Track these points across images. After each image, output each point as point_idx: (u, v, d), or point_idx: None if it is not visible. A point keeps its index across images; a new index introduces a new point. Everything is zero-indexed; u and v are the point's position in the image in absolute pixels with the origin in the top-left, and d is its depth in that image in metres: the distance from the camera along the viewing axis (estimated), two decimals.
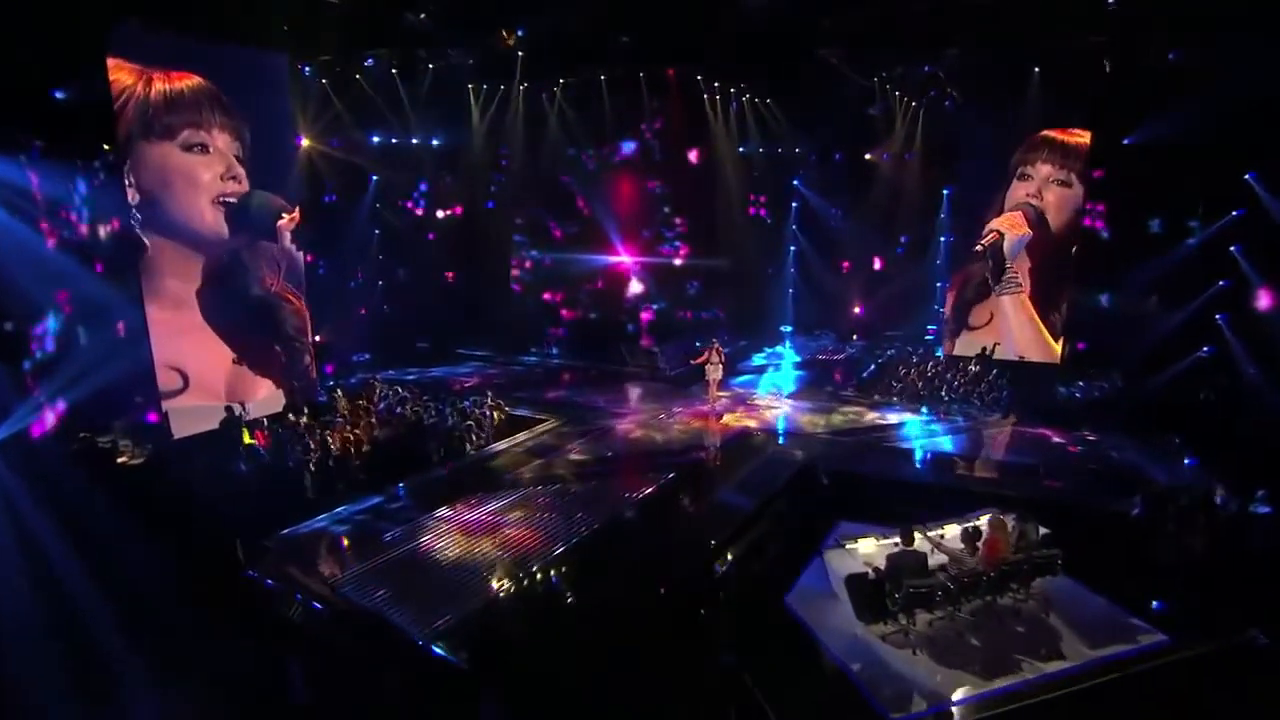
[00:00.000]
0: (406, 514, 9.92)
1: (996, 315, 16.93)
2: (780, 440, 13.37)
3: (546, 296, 20.84)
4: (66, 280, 10.49)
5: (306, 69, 15.07)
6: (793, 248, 21.60)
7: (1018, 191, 16.53)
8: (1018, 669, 6.96)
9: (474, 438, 12.45)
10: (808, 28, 12.17)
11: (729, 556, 9.16)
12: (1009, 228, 16.75)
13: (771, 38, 13.29)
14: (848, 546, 8.24)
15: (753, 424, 14.12)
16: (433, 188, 19.79)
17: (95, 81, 10.39)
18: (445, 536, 9.30)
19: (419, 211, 20.02)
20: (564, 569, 8.63)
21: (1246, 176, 14.22)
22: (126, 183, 11.30)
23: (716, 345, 14.68)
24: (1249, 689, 6.77)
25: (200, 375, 12.63)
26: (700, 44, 14.39)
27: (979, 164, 16.97)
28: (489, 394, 13.64)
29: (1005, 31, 12.49)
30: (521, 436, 13.07)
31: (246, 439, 11.08)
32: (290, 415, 12.47)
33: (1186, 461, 11.86)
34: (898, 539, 7.82)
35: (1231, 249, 14.57)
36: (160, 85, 11.66)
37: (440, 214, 20.22)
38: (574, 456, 12.22)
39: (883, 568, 7.55)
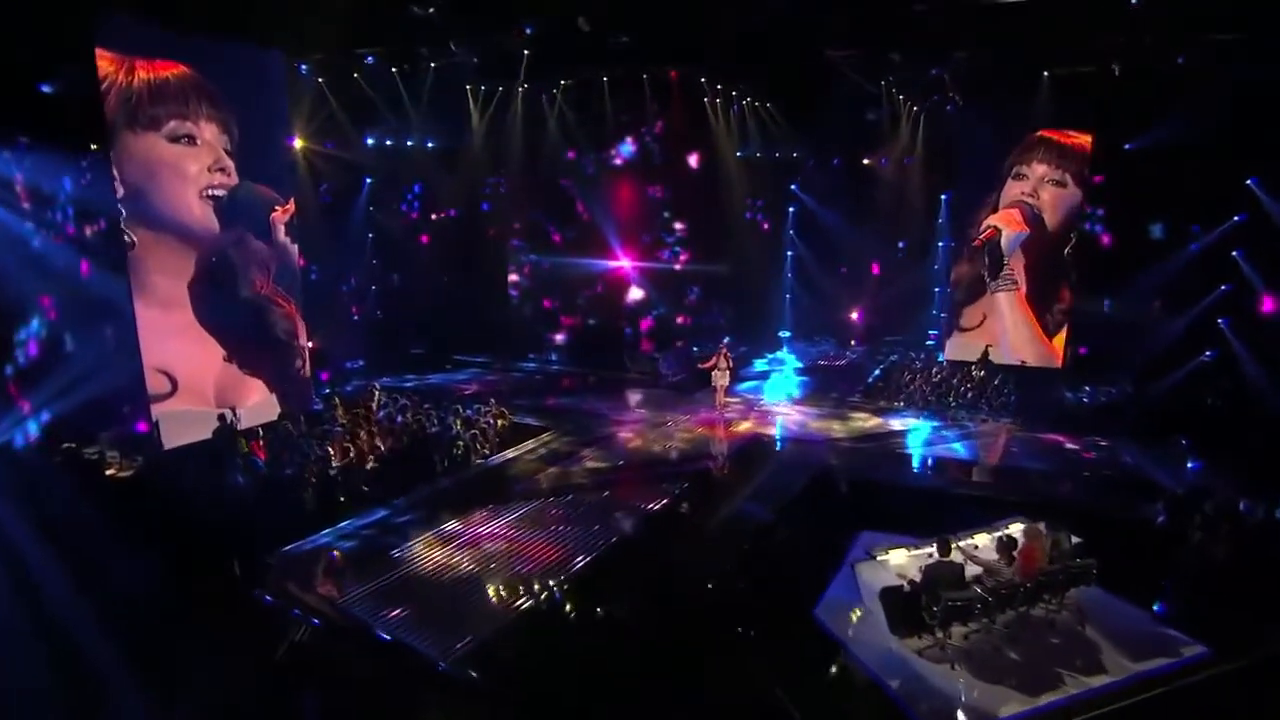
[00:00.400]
0: (414, 528, 9.52)
1: (990, 315, 16.93)
2: (793, 447, 13.13)
3: (545, 303, 20.51)
4: (52, 279, 9.96)
5: (304, 67, 14.63)
6: (790, 253, 21.50)
7: (1013, 190, 16.56)
8: (1061, 684, 6.74)
9: (478, 447, 12.07)
10: (820, 29, 11.97)
11: (752, 568, 8.88)
12: (1006, 224, 16.76)
13: (780, 39, 13.08)
14: (879, 558, 8.00)
15: (763, 431, 13.90)
16: (429, 190, 19.38)
17: (83, 74, 9.89)
18: (458, 551, 8.93)
19: (414, 215, 19.59)
20: (584, 585, 8.29)
21: (1248, 181, 14.34)
22: (113, 176, 10.81)
23: (724, 350, 14.43)
24: None
25: (189, 379, 12.13)
26: (704, 44, 14.14)
27: (978, 168, 16.97)
28: (492, 401, 13.26)
29: (1016, 33, 12.39)
30: (530, 444, 12.75)
31: (243, 448, 10.59)
32: (288, 424, 12.00)
33: (1192, 465, 11.84)
34: (931, 550, 7.60)
35: (1234, 253, 14.69)
36: (144, 74, 11.11)
37: (434, 216, 19.81)
38: (583, 466, 11.89)
39: (917, 580, 7.34)
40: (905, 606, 7.37)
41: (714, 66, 15.91)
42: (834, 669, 7.12)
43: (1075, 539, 7.92)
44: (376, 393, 13.73)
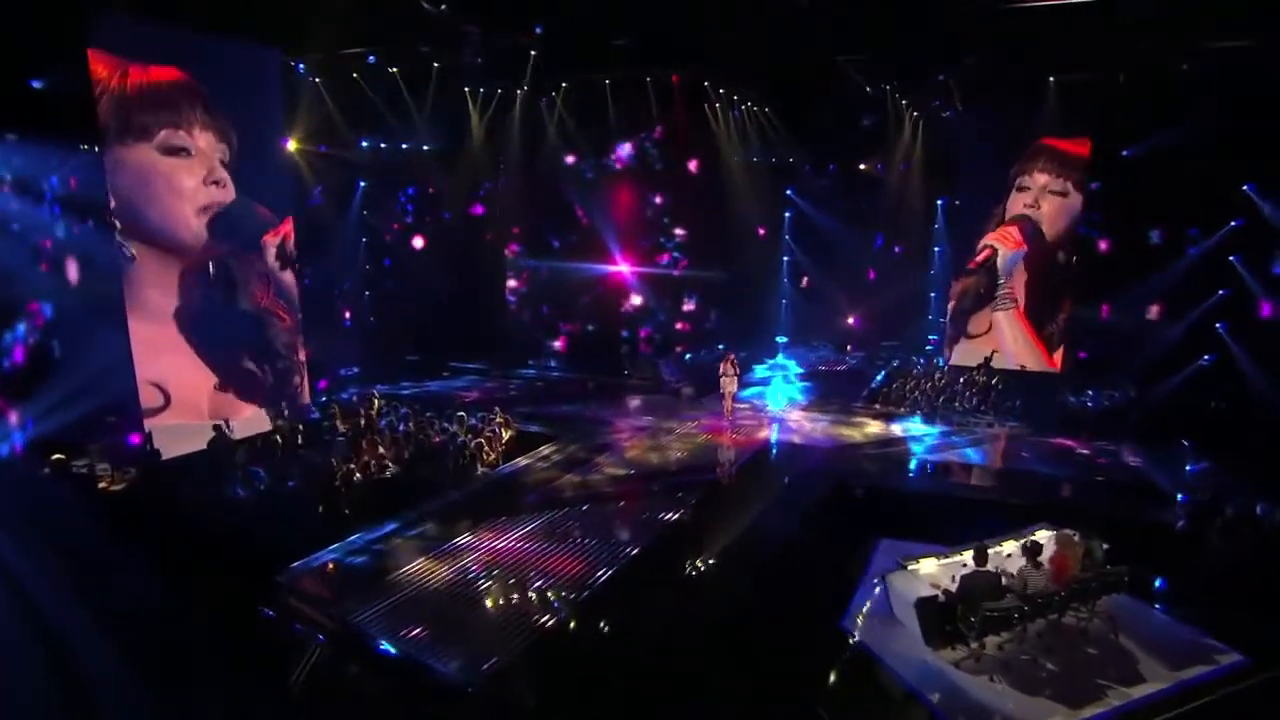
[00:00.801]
0: (427, 542, 9.18)
1: (993, 329, 17.00)
2: (804, 454, 12.99)
3: (544, 309, 20.24)
4: (44, 287, 9.52)
5: (301, 66, 14.25)
6: (786, 258, 21.45)
7: (1016, 203, 16.65)
8: (1104, 696, 6.63)
9: (485, 456, 11.76)
10: (834, 30, 11.90)
11: (774, 578, 8.69)
12: (1002, 242, 16.85)
13: (786, 41, 12.99)
14: (909, 568, 7.85)
15: (773, 437, 13.74)
16: (425, 193, 19.02)
17: (75, 74, 9.47)
18: (474, 565, 8.62)
19: (409, 218, 19.21)
20: (605, 601, 8.03)
21: (1245, 188, 14.54)
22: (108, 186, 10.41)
23: (732, 357, 14.27)
24: None
25: (182, 392, 11.74)
26: (711, 47, 14.00)
27: (977, 174, 17.05)
28: (498, 409, 12.95)
29: (1019, 38, 12.43)
30: (545, 451, 12.52)
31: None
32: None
33: (1198, 468, 11.91)
34: (965, 559, 7.48)
35: (1231, 259, 14.87)
36: (138, 79, 10.79)
37: (428, 219, 19.44)
38: (594, 476, 11.62)
39: (952, 590, 7.20)
40: (940, 617, 7.22)
41: (718, 69, 15.76)
42: (870, 683, 6.94)
43: (1105, 546, 7.85)
44: (376, 401, 13.35)
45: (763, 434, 13.89)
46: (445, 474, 10.94)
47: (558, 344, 19.89)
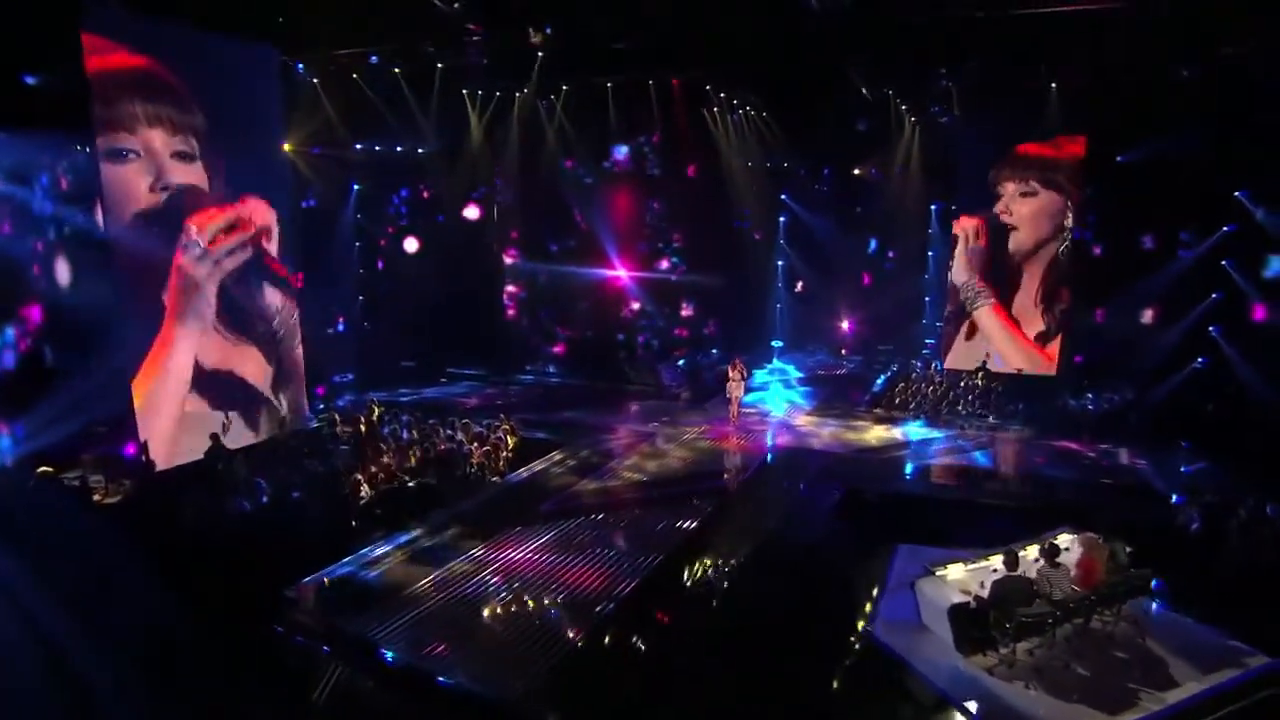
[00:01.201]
0: (440, 553, 8.93)
1: (979, 325, 17.12)
2: (813, 459, 12.92)
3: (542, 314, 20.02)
4: (38, 293, 9.13)
5: (300, 66, 13.92)
6: (780, 262, 21.46)
7: (995, 207, 16.84)
8: (1138, 701, 6.60)
9: (492, 464, 11.52)
10: (838, 36, 11.90)
11: (796, 586, 8.58)
12: (963, 230, 16.96)
13: (791, 47, 12.97)
14: (938, 574, 7.79)
15: (780, 442, 13.67)
16: (423, 197, 18.72)
17: (70, 66, 9.10)
18: (492, 578, 8.40)
19: (403, 222, 18.90)
20: (630, 612, 7.86)
21: (1237, 194, 14.82)
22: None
23: (738, 361, 14.18)
24: None
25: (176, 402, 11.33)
26: (710, 51, 13.93)
27: (972, 178, 17.16)
28: (503, 416, 12.71)
29: (1016, 44, 12.54)
30: (555, 456, 12.35)
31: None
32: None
33: (1198, 468, 12.05)
34: (993, 564, 7.44)
35: (1223, 263, 15.13)
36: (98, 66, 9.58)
37: (423, 222, 19.14)
38: (606, 483, 11.44)
39: (983, 595, 7.14)
40: (972, 623, 7.16)
41: (720, 74, 15.70)
42: (904, 691, 6.85)
43: (1129, 549, 7.86)
44: (376, 408, 13.03)
45: (768, 439, 13.81)
46: (455, 483, 10.68)
47: (556, 349, 19.66)
